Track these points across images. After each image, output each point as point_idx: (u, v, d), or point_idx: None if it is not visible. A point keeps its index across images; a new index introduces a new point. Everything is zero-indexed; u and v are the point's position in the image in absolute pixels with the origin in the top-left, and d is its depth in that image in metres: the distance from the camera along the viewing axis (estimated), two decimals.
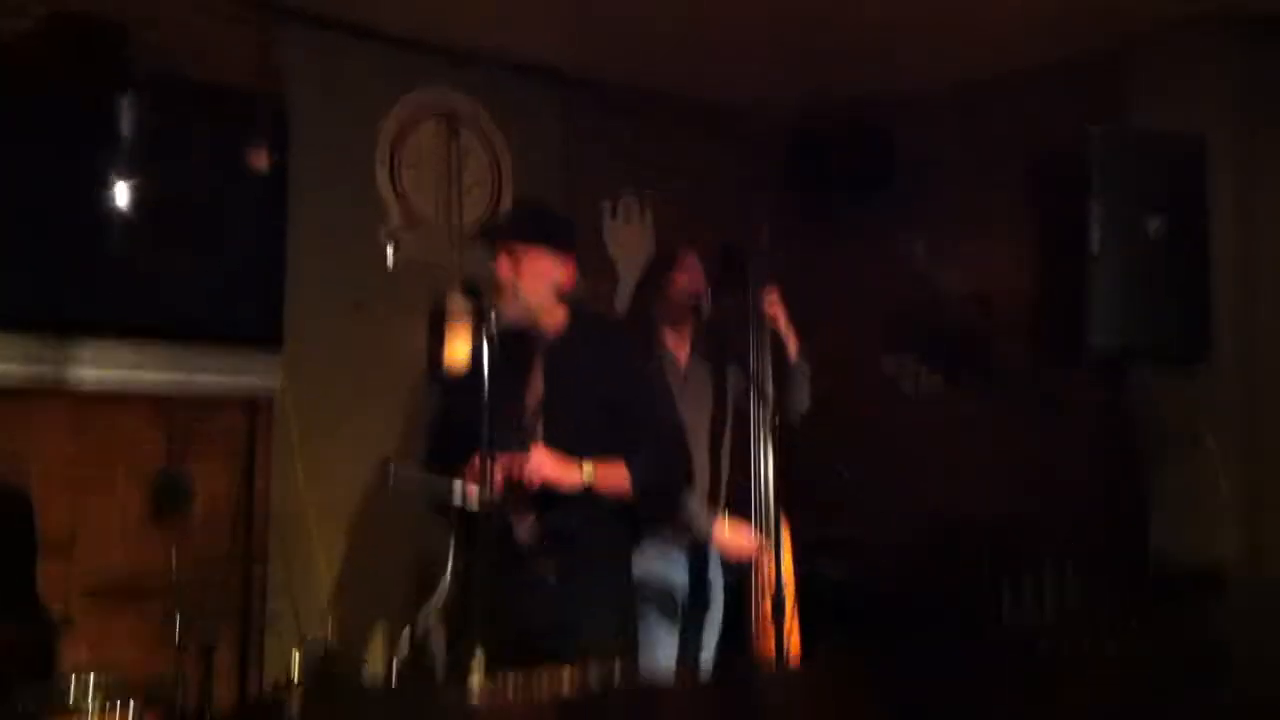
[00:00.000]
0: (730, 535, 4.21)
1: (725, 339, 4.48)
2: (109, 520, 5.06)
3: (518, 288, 3.67)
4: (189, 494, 5.23)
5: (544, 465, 3.58)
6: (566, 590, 3.67)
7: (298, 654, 3.17)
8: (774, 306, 4.44)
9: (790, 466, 4.19)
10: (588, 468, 3.61)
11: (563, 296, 3.77)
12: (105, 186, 4.91)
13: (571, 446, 3.67)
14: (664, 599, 4.19)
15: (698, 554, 4.29)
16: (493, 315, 3.37)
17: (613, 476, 3.66)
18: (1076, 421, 5.82)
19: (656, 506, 3.89)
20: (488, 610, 3.14)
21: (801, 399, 4.50)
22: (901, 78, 6.31)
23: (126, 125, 4.98)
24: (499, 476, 3.46)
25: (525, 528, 3.61)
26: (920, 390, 6.72)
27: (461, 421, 3.54)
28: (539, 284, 3.71)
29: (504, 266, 3.69)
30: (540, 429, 3.66)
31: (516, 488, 3.55)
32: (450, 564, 3.15)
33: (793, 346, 4.47)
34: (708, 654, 4.33)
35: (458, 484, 3.39)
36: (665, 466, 3.79)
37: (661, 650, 4.15)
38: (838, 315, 6.61)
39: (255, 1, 5.45)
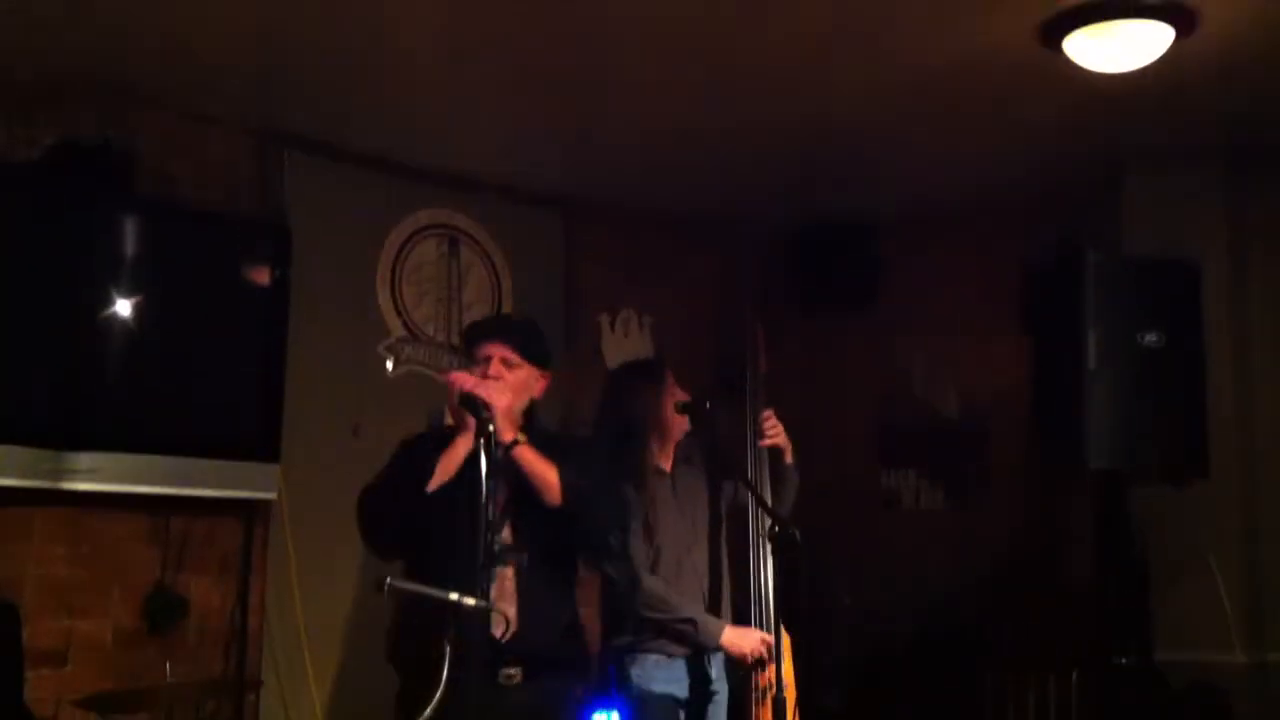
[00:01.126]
0: (738, 636, 4.19)
1: (721, 450, 4.48)
2: (102, 631, 5.04)
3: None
4: (183, 608, 5.21)
5: (505, 395, 3.59)
6: (530, 698, 3.63)
7: None
8: (771, 424, 4.45)
9: (790, 587, 4.17)
10: (521, 436, 3.60)
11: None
12: (108, 304, 4.96)
13: (538, 544, 3.69)
14: (665, 709, 4.15)
15: (699, 663, 4.25)
16: (492, 428, 3.39)
17: (541, 463, 3.63)
18: (1077, 537, 5.81)
19: (588, 539, 3.86)
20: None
21: (789, 500, 4.51)
22: (897, 199, 6.40)
23: (131, 246, 5.05)
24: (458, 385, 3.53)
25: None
26: (921, 504, 6.71)
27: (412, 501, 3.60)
28: (524, 395, 3.78)
29: (496, 367, 3.73)
30: (507, 528, 3.65)
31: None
32: (446, 674, 3.09)
33: (788, 450, 4.49)
34: None
35: (453, 596, 3.35)
36: (599, 498, 3.77)
37: None
38: (835, 431, 6.63)
39: (259, 128, 5.55)
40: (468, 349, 3.89)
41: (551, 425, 4.28)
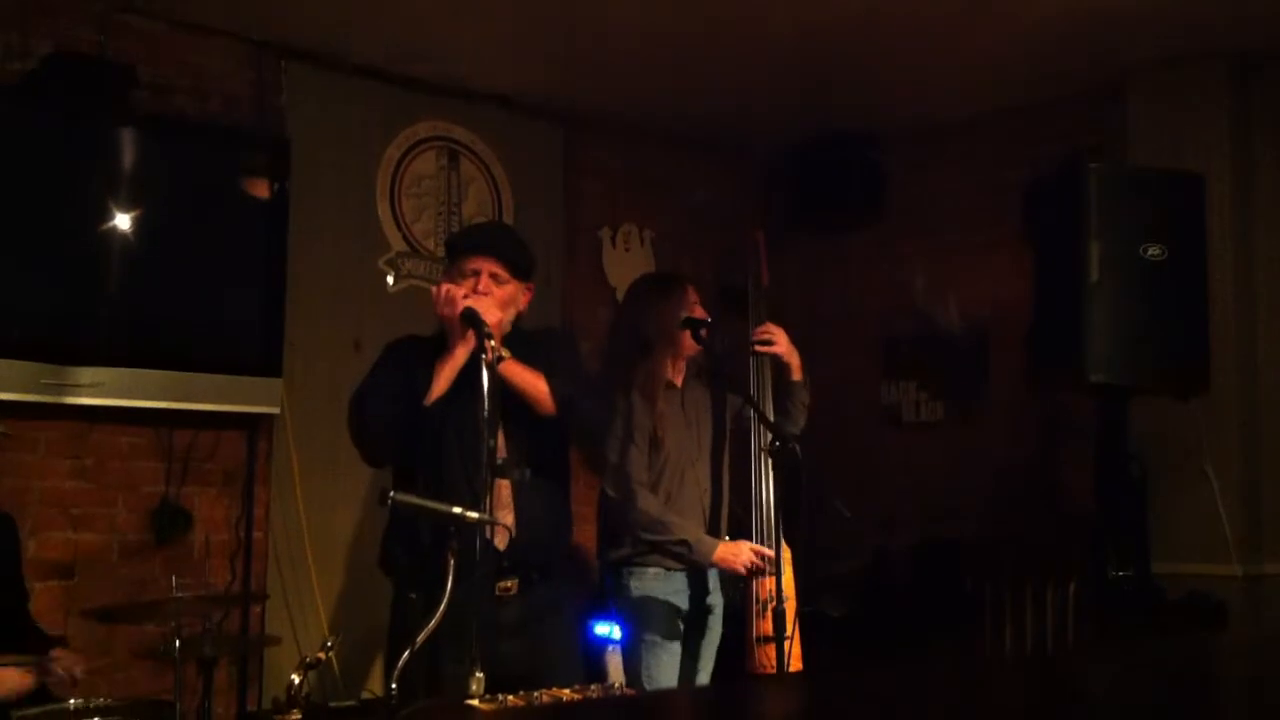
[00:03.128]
0: (730, 552, 4.20)
1: (724, 365, 4.47)
2: (108, 544, 5.08)
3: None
4: (188, 521, 5.25)
5: (496, 311, 3.58)
6: (526, 610, 3.69)
7: (296, 675, 3.14)
8: (766, 334, 4.43)
9: (790, 500, 4.19)
10: (505, 351, 3.56)
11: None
12: (107, 218, 4.95)
13: (534, 455, 3.72)
14: (666, 620, 4.19)
15: (698, 575, 4.29)
16: (491, 343, 3.38)
17: (529, 376, 3.64)
18: (1076, 450, 5.83)
19: (582, 434, 3.91)
20: (481, 629, 3.14)
21: (799, 419, 4.49)
22: (900, 111, 6.35)
23: (128, 159, 5.03)
24: (451, 297, 3.54)
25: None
26: (921, 417, 6.73)
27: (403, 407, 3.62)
28: (511, 310, 3.76)
29: (485, 283, 3.70)
30: (501, 440, 3.62)
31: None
32: (449, 586, 3.11)
33: (795, 366, 4.46)
34: (705, 674, 4.33)
35: (456, 510, 3.37)
36: (587, 395, 3.81)
37: (663, 671, 4.15)
38: (837, 345, 6.63)
39: (257, 40, 5.50)
40: (452, 258, 3.84)
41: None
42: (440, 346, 3.65)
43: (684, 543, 4.20)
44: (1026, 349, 5.46)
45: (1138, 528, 5.35)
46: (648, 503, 4.20)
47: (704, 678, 4.33)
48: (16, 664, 3.84)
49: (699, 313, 4.34)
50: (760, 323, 4.48)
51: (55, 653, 4.05)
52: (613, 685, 3.72)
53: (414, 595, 3.57)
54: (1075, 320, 5.01)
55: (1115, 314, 5.00)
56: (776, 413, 4.42)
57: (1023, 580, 5.66)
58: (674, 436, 4.30)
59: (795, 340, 4.51)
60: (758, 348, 4.42)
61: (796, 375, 4.46)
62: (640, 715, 1.67)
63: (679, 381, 4.41)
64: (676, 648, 4.23)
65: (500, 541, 3.58)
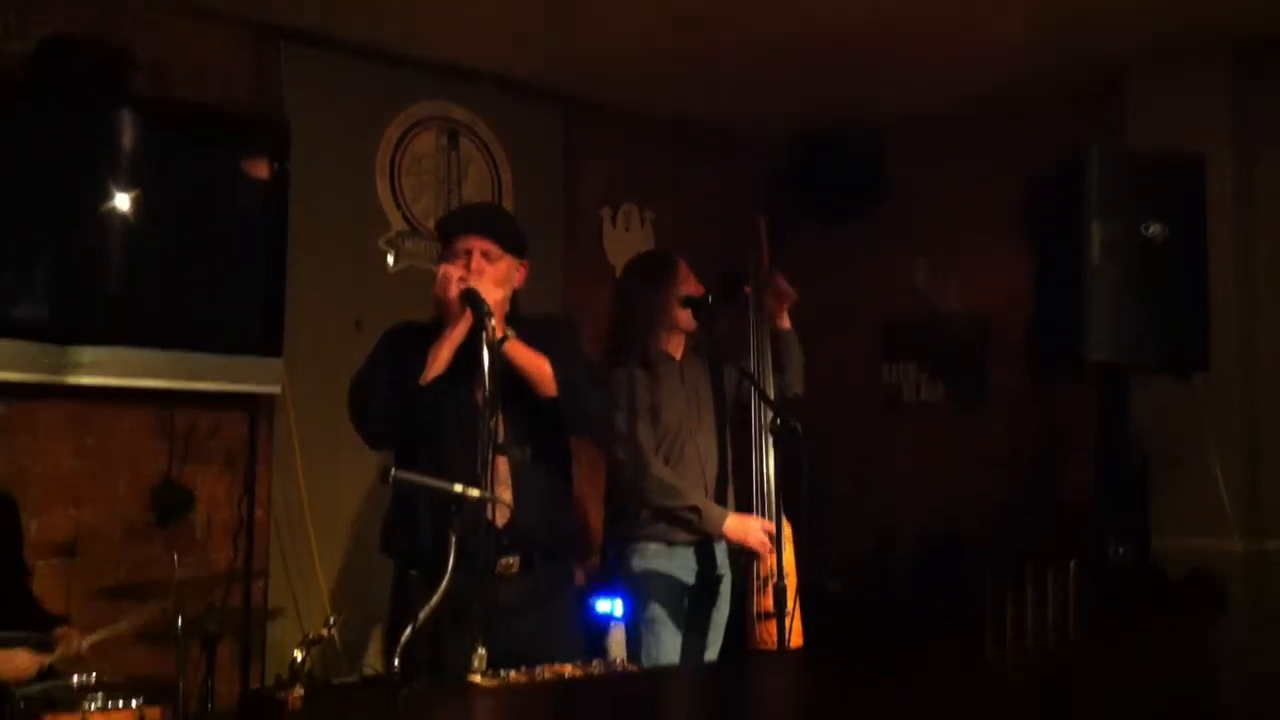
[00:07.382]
0: (739, 524, 4.23)
1: (723, 345, 4.49)
2: (110, 524, 5.09)
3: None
4: (190, 501, 5.26)
5: (494, 290, 3.56)
6: (528, 589, 3.68)
7: (299, 653, 3.15)
8: (780, 283, 4.50)
9: (791, 478, 4.21)
10: (510, 330, 3.57)
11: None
12: (108, 200, 4.94)
13: (534, 436, 3.71)
14: (668, 596, 4.21)
15: (705, 549, 4.31)
16: (491, 322, 3.38)
17: (532, 356, 3.63)
18: (1077, 435, 5.84)
19: (581, 422, 3.89)
20: (485, 607, 3.14)
21: (792, 373, 4.54)
22: (901, 101, 6.34)
23: (128, 141, 5.02)
24: (449, 279, 3.55)
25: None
26: (921, 398, 6.74)
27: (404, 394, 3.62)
28: (507, 287, 3.74)
29: (478, 261, 3.70)
30: (501, 420, 3.52)
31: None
32: (450, 563, 3.12)
33: (783, 316, 4.51)
34: (715, 648, 4.35)
35: (457, 487, 3.37)
36: (589, 384, 3.80)
37: (663, 648, 4.16)
38: (837, 333, 6.64)
39: (255, 21, 5.49)
40: (444, 240, 3.83)
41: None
42: (437, 331, 3.65)
43: (694, 509, 4.23)
44: (1027, 336, 5.46)
45: (1138, 507, 5.36)
46: (661, 469, 4.26)
47: (713, 652, 4.35)
48: (26, 642, 3.86)
49: (694, 287, 4.38)
50: (761, 309, 4.51)
51: (60, 630, 4.06)
52: (614, 661, 3.74)
53: (415, 573, 3.58)
54: (1076, 301, 5.01)
55: (1116, 294, 5.00)
56: (774, 370, 4.47)
57: (1024, 562, 5.66)
58: (673, 408, 4.34)
59: (795, 325, 4.56)
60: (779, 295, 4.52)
61: (783, 324, 4.53)
62: (641, 691, 1.68)
63: (678, 356, 4.44)
64: (679, 624, 4.25)
65: (500, 518, 3.57)
